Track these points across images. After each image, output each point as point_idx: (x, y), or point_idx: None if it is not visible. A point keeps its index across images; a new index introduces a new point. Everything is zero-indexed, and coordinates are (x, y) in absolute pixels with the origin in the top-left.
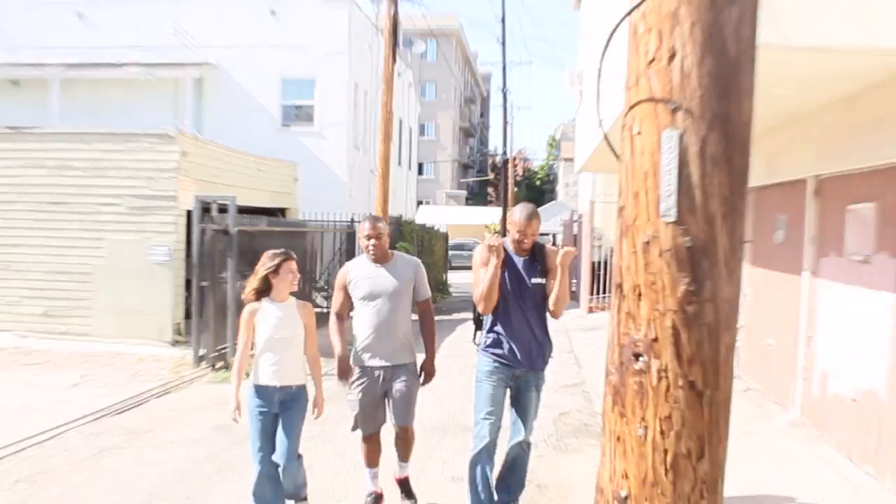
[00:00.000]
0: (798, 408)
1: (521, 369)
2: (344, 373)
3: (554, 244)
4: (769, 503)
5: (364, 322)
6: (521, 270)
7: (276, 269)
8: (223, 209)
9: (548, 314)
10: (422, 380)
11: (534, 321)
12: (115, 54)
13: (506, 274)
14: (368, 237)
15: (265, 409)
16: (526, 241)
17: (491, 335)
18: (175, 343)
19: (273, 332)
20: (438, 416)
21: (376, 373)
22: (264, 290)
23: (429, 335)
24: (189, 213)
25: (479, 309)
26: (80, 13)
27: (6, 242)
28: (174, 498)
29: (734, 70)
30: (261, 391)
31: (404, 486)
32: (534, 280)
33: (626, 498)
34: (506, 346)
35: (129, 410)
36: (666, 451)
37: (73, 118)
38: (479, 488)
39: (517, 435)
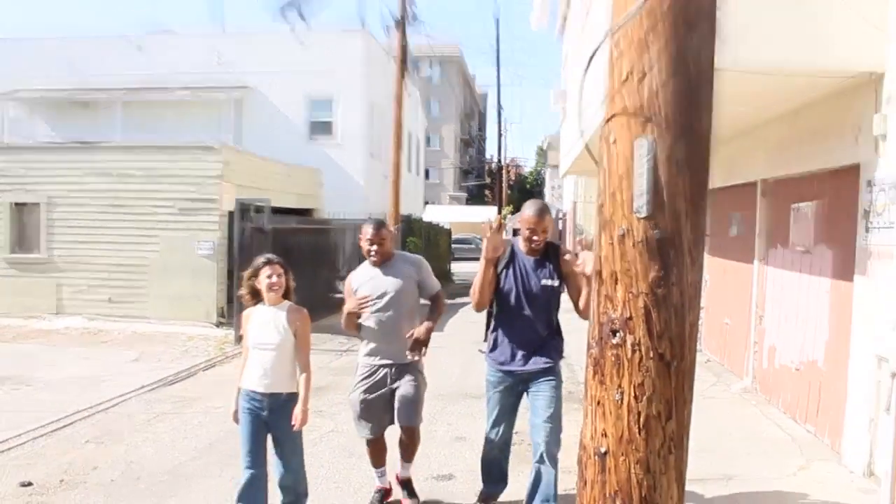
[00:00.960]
0: (750, 376)
1: (526, 373)
2: (350, 319)
3: None
4: (728, 456)
5: (368, 323)
6: (531, 271)
7: (256, 273)
8: (259, 210)
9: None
10: (412, 337)
11: (540, 324)
12: (168, 80)
13: (513, 274)
14: (371, 242)
15: (254, 414)
16: (537, 237)
17: (493, 336)
18: (219, 324)
19: (258, 336)
20: (444, 384)
21: (382, 371)
22: (254, 293)
23: (435, 310)
24: (230, 213)
25: (472, 305)
26: (138, 45)
27: (76, 240)
28: (218, 455)
29: (695, 88)
30: (248, 395)
31: (406, 485)
32: (544, 282)
33: (605, 453)
34: (507, 350)
35: (180, 381)
36: (639, 413)
37: (133, 134)
38: (489, 469)
39: (536, 449)
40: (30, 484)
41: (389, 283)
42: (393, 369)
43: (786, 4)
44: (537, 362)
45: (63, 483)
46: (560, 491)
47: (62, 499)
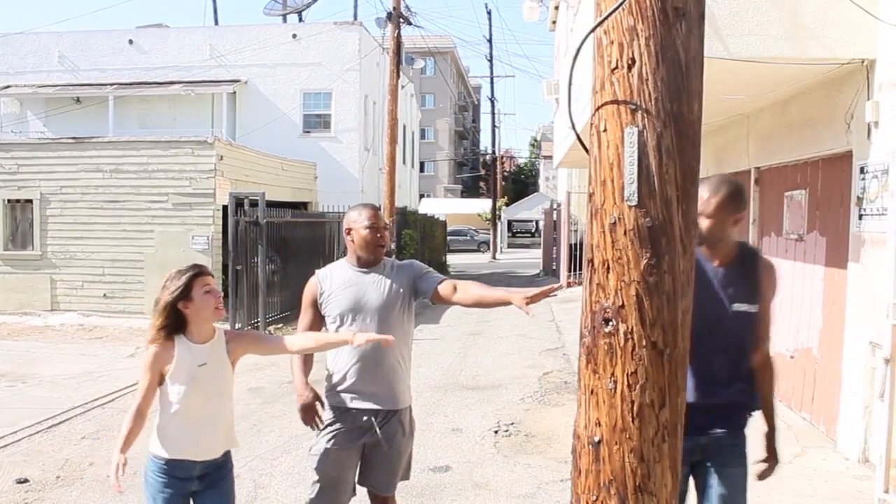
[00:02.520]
0: None
1: (709, 436)
2: (309, 413)
3: (536, 231)
4: None
5: (343, 350)
6: (717, 289)
7: (186, 292)
8: (254, 204)
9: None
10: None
11: (732, 363)
12: (161, 74)
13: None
14: (375, 229)
15: (178, 490)
16: (710, 230)
17: None
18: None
19: (192, 392)
20: (439, 376)
21: (362, 418)
22: (175, 326)
23: (480, 287)
24: (225, 207)
25: None
26: (131, 40)
27: (71, 236)
28: None
29: (684, 76)
30: (171, 467)
31: None
32: (736, 305)
33: (599, 442)
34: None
35: None
36: (633, 402)
37: (126, 129)
38: None
39: None
40: (26, 481)
41: (378, 295)
42: (378, 417)
43: None
44: (728, 422)
45: (59, 479)
46: (556, 480)
47: (58, 495)
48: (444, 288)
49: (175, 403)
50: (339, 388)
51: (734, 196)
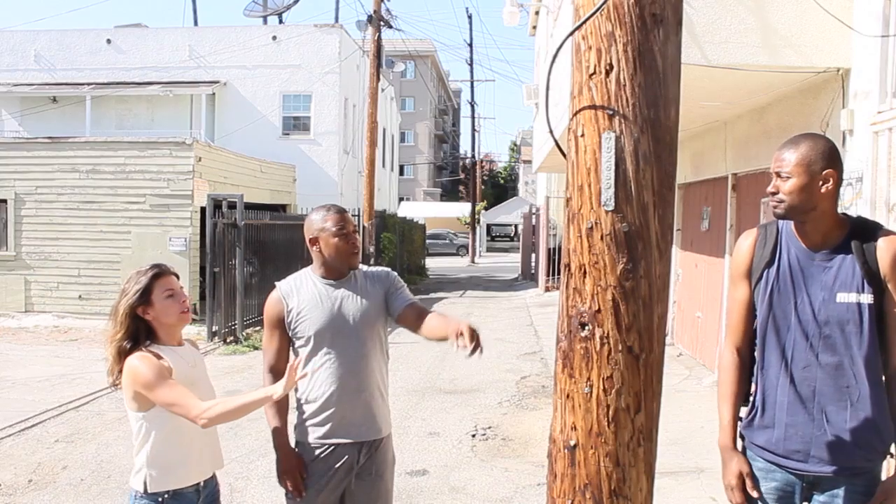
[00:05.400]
0: None
1: (814, 472)
2: (292, 471)
3: (515, 235)
4: (700, 449)
5: (319, 376)
6: (811, 274)
7: (146, 296)
8: (232, 206)
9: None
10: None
11: (841, 375)
12: (139, 75)
13: (777, 280)
14: (346, 234)
15: None
16: (780, 200)
17: (755, 395)
18: (191, 321)
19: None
20: (417, 380)
21: (343, 457)
22: (140, 334)
23: (439, 317)
24: (203, 209)
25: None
26: (109, 40)
27: (46, 236)
28: None
29: (661, 82)
30: (175, 500)
31: None
32: (842, 295)
33: (574, 446)
34: (779, 424)
35: None
36: (608, 406)
37: (104, 129)
38: None
39: None
40: None
41: (356, 310)
42: (361, 452)
43: (753, 0)
44: (836, 457)
45: (32, 483)
46: (533, 484)
47: (31, 499)
48: (410, 312)
49: (172, 424)
50: (316, 421)
51: (818, 147)
